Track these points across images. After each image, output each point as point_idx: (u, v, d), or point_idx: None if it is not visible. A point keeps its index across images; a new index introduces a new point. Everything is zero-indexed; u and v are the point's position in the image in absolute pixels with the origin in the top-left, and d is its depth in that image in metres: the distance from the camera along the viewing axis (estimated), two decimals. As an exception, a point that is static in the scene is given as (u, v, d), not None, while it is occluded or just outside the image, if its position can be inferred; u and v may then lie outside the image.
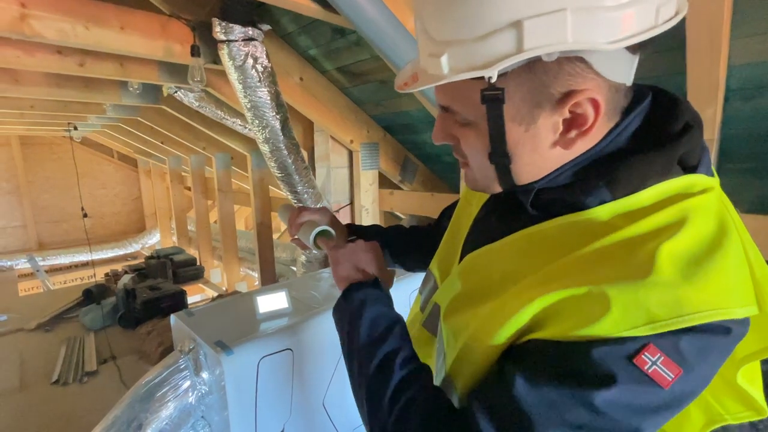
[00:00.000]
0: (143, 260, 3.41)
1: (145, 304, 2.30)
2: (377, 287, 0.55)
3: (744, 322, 0.35)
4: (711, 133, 1.05)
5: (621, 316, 0.33)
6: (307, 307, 1.20)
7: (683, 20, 0.88)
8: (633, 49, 0.35)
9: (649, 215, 0.36)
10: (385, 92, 1.96)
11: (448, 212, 0.68)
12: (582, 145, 0.39)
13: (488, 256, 0.47)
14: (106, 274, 3.46)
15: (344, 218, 2.53)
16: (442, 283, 0.55)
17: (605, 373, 0.33)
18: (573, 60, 0.34)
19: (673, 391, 0.33)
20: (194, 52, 1.59)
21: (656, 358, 0.32)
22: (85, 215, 4.22)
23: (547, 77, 0.35)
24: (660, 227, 0.35)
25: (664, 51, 1.12)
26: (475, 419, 0.38)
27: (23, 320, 2.40)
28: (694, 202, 0.36)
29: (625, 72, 0.37)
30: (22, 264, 5.52)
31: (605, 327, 0.33)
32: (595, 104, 0.36)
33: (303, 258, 2.57)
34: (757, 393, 0.41)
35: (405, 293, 1.37)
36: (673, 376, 0.32)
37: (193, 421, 1.01)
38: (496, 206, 0.52)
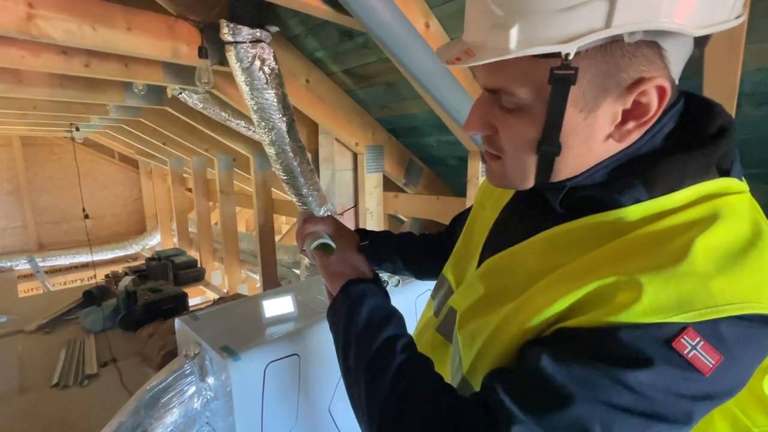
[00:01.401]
0: (144, 262, 3.39)
1: (146, 306, 2.28)
2: (377, 284, 0.55)
3: None
4: (724, 139, 1.04)
5: (652, 303, 0.32)
6: (313, 311, 1.19)
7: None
8: (698, 42, 0.34)
9: (680, 212, 0.35)
10: (391, 95, 1.96)
11: (459, 220, 0.68)
12: (630, 140, 0.38)
13: (511, 258, 0.45)
14: (107, 276, 3.44)
15: (348, 221, 2.52)
16: (458, 288, 0.54)
17: (640, 355, 0.32)
18: (650, 44, 0.33)
19: (713, 379, 0.31)
20: (202, 53, 1.58)
21: (696, 342, 0.31)
22: (86, 216, 4.21)
23: (623, 60, 0.33)
24: (692, 221, 0.35)
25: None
26: (496, 393, 0.35)
27: (23, 322, 2.38)
28: (727, 200, 0.36)
29: (682, 65, 0.36)
30: (22, 265, 5.50)
31: (636, 314, 0.32)
32: (662, 93, 0.34)
33: (307, 261, 2.56)
34: None
35: (410, 298, 1.36)
36: (713, 362, 0.31)
37: (198, 427, 0.99)
38: (518, 207, 0.51)
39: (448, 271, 0.59)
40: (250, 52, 1.51)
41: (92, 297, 2.61)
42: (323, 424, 1.15)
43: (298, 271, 3.55)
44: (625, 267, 0.34)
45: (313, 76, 1.95)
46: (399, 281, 1.30)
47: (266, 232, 3.43)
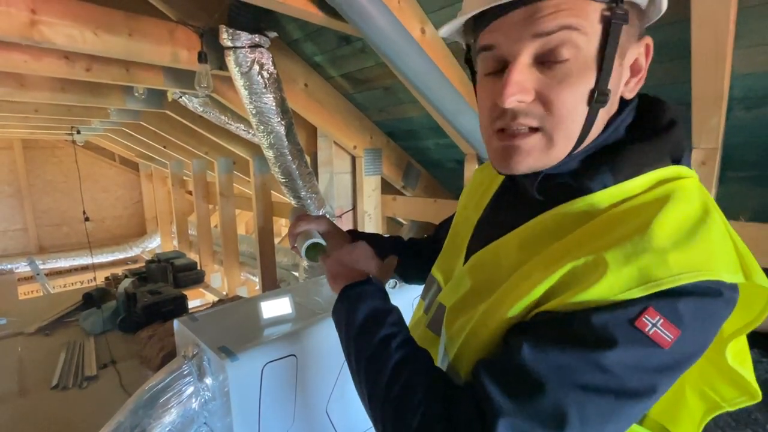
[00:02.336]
0: (144, 264, 3.40)
1: (145, 308, 2.29)
2: (370, 284, 0.57)
3: (734, 288, 0.37)
4: (715, 142, 1.06)
5: (617, 277, 0.35)
6: (311, 312, 1.20)
7: (689, 30, 0.88)
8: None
9: (640, 196, 0.40)
10: (389, 99, 1.98)
11: (445, 224, 0.71)
12: (631, 94, 0.42)
13: (495, 252, 0.48)
14: (107, 278, 3.45)
15: (346, 223, 2.54)
16: (447, 285, 0.56)
17: (608, 336, 0.35)
18: (641, 10, 0.39)
19: (672, 351, 0.35)
20: (201, 58, 1.60)
21: (656, 320, 0.34)
22: (87, 219, 4.22)
23: (640, 13, 0.39)
24: (649, 201, 0.39)
25: (668, 60, 1.14)
26: (484, 386, 0.38)
27: (23, 324, 2.39)
28: (679, 184, 0.40)
29: None
30: (22, 267, 5.51)
31: (603, 289, 0.35)
32: (648, 51, 0.41)
33: (305, 263, 2.57)
34: (750, 376, 0.42)
35: (408, 301, 1.37)
36: (672, 337, 0.34)
37: (196, 428, 1.00)
38: (499, 204, 0.55)
39: (436, 270, 0.62)
40: (249, 57, 1.53)
41: (92, 299, 2.62)
42: (320, 425, 1.16)
43: (297, 274, 3.56)
44: (593, 246, 0.38)
45: (312, 81, 1.97)
46: (396, 283, 1.31)
47: (265, 234, 3.45)
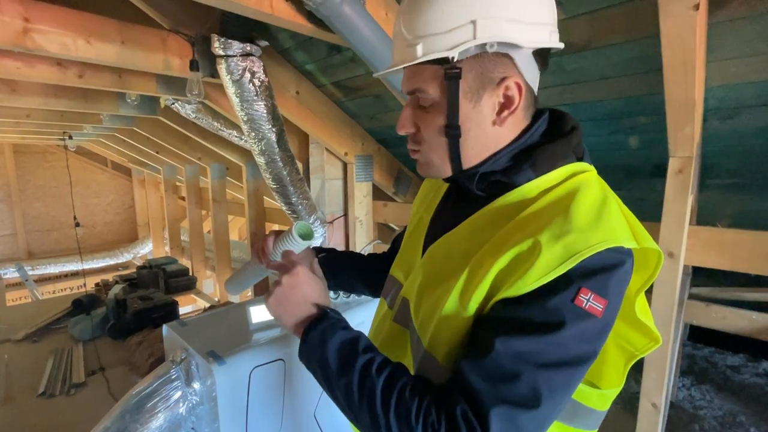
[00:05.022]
0: (135, 270, 3.37)
1: (135, 314, 2.27)
2: (327, 318, 0.57)
3: (630, 254, 0.48)
4: (690, 151, 1.10)
5: (551, 254, 0.45)
6: (300, 317, 1.21)
7: (660, 44, 0.93)
8: (540, 63, 0.53)
9: (558, 186, 0.51)
10: (379, 106, 2.01)
11: (399, 237, 0.78)
12: (511, 129, 0.54)
13: (446, 243, 0.57)
14: (97, 284, 3.41)
15: (338, 229, 2.55)
16: (407, 280, 0.62)
17: (558, 318, 0.44)
18: (506, 56, 0.50)
19: (604, 317, 0.45)
20: (193, 66, 1.62)
21: (588, 296, 0.44)
22: (78, 224, 4.19)
23: (491, 64, 0.51)
24: (566, 192, 0.50)
25: (644, 72, 1.18)
26: (471, 384, 0.45)
27: (10, 331, 2.36)
28: (583, 177, 0.52)
29: (534, 78, 0.53)
30: (10, 273, 5.42)
31: (541, 268, 0.45)
32: (519, 88, 0.51)
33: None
34: (651, 324, 0.53)
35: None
36: (602, 307, 0.45)
37: (183, 433, 1.01)
38: (448, 203, 0.65)
39: (395, 269, 0.69)
40: (240, 65, 1.55)
41: (81, 305, 2.60)
42: (308, 430, 1.16)
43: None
44: (529, 230, 0.47)
45: (303, 88, 2.00)
46: (339, 295, 1.29)
47: (258, 240, 3.44)
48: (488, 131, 0.53)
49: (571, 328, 0.44)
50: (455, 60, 0.49)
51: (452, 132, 0.52)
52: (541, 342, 0.44)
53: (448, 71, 0.50)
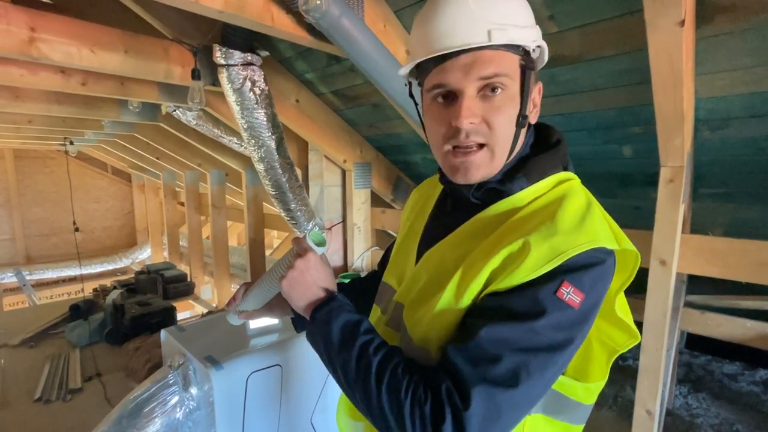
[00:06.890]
0: (133, 275, 3.37)
1: (133, 320, 2.27)
2: (335, 300, 0.61)
3: (612, 254, 0.52)
4: (680, 161, 1.12)
5: (539, 253, 0.49)
6: (297, 323, 1.22)
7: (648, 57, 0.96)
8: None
9: (548, 193, 0.56)
10: (377, 115, 2.04)
11: (387, 253, 0.81)
12: (534, 119, 0.59)
13: (442, 249, 0.60)
14: (95, 289, 3.40)
15: (336, 235, 2.57)
16: (401, 286, 0.64)
17: (540, 307, 0.48)
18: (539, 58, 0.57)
19: (581, 309, 0.49)
20: (195, 75, 1.65)
21: (569, 289, 0.49)
22: (77, 229, 4.19)
23: (536, 65, 0.57)
24: (554, 198, 0.55)
25: (634, 84, 1.21)
26: (455, 365, 0.48)
27: (7, 336, 2.35)
28: (569, 184, 0.57)
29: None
30: (8, 278, 5.41)
31: (530, 265, 0.49)
32: (540, 91, 0.59)
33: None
34: (631, 322, 0.57)
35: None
36: (579, 299, 0.49)
37: (180, 438, 1.01)
38: (442, 211, 0.67)
39: (389, 276, 0.70)
40: (241, 74, 1.58)
41: (79, 311, 2.59)
42: (304, 435, 1.17)
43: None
44: (520, 232, 0.51)
45: (303, 97, 2.03)
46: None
47: (256, 246, 3.46)
48: (525, 129, 0.58)
49: (550, 316, 0.48)
50: (531, 52, 0.54)
51: (522, 121, 0.55)
52: (521, 329, 0.48)
53: (527, 61, 0.54)
